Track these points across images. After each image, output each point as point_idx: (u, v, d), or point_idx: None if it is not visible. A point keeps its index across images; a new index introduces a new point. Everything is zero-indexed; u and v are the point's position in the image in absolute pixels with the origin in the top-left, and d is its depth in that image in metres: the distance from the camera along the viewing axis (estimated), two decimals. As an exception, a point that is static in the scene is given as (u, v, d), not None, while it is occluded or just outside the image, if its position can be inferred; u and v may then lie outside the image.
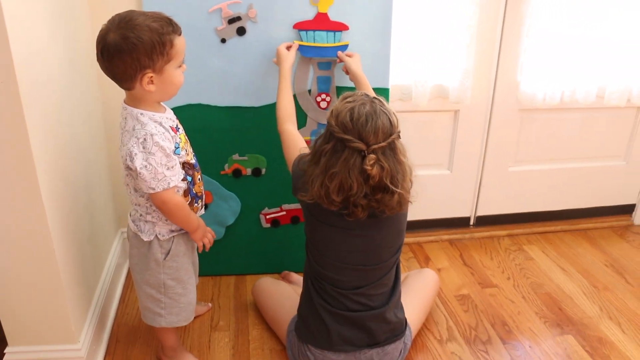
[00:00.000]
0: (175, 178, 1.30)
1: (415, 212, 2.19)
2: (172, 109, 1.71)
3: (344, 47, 1.76)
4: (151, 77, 1.23)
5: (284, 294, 1.70)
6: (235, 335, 1.71)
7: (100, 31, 1.21)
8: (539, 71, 2.02)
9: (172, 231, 1.41)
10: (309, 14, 1.73)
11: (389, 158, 1.25)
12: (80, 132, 1.57)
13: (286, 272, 1.96)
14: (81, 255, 1.50)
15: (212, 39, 1.70)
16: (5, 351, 1.40)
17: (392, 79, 1.83)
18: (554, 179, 2.29)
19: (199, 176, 1.45)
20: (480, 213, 2.30)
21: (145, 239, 1.38)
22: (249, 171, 1.85)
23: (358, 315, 1.43)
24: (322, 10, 1.73)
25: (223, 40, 1.71)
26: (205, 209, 1.85)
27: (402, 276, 1.78)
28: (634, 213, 2.42)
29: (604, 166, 2.32)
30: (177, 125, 1.37)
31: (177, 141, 1.32)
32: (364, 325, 1.44)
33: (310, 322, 1.47)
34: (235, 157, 1.84)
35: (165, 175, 1.27)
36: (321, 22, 1.74)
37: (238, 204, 1.88)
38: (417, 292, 1.72)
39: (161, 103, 1.34)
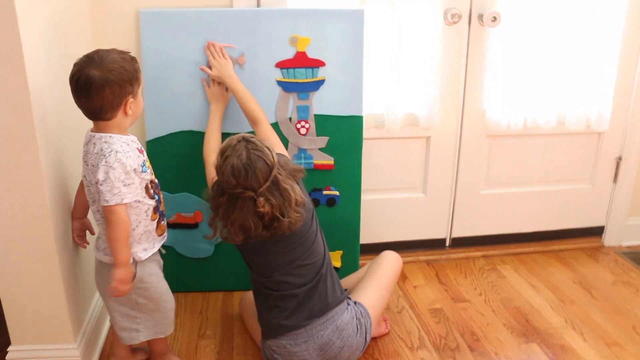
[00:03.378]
0: (130, 196, 1.38)
1: (393, 234, 2.36)
2: (165, 136, 1.93)
3: (321, 82, 1.95)
4: (131, 102, 1.41)
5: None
6: (220, 342, 1.84)
7: (77, 71, 1.34)
8: (502, 100, 2.20)
9: (145, 251, 1.50)
10: (289, 54, 1.93)
11: (274, 193, 1.47)
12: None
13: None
14: (82, 260, 1.65)
15: (201, 71, 1.89)
16: (8, 349, 1.54)
17: (366, 108, 2.02)
18: (525, 201, 2.44)
19: (162, 196, 1.57)
20: (455, 235, 2.44)
21: (109, 262, 1.45)
22: (235, 193, 2.02)
23: (295, 291, 1.59)
24: (300, 50, 1.93)
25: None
26: (196, 227, 2.02)
27: (365, 267, 1.92)
28: (603, 235, 2.55)
29: (572, 189, 2.46)
30: (141, 147, 1.49)
31: (144, 160, 1.46)
32: (303, 299, 1.60)
33: (261, 319, 1.65)
34: (222, 179, 2.01)
35: (120, 190, 1.36)
36: (300, 60, 1.94)
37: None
38: (374, 273, 1.83)
39: (127, 130, 1.48)
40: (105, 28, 1.87)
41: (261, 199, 1.46)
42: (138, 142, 1.49)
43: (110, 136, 1.40)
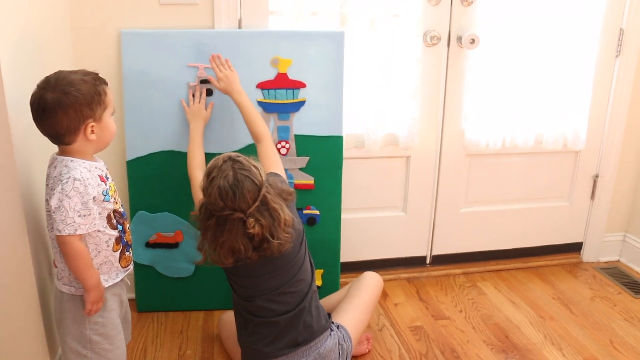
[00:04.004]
0: (85, 227, 1.32)
1: (373, 252, 2.38)
2: (146, 156, 1.93)
3: (301, 103, 1.97)
4: (92, 126, 1.34)
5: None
6: (200, 363, 1.84)
7: (34, 94, 1.31)
8: (481, 120, 2.24)
9: (105, 281, 1.42)
10: (270, 75, 1.95)
11: (263, 214, 1.45)
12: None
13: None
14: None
15: (183, 92, 1.90)
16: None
17: (346, 128, 2.04)
18: (504, 219, 2.47)
19: (128, 225, 1.51)
20: (435, 252, 2.46)
21: (72, 293, 1.40)
22: (217, 212, 2.02)
23: (276, 319, 1.57)
24: (281, 71, 1.95)
25: (193, 95, 1.91)
26: (176, 247, 2.02)
27: (346, 287, 1.92)
28: (582, 251, 2.59)
29: (550, 206, 2.50)
30: (106, 175, 1.42)
31: (106, 189, 1.38)
32: (285, 327, 1.57)
33: (241, 342, 1.64)
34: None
35: (74, 221, 1.29)
36: (281, 81, 1.96)
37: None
38: (355, 295, 1.83)
39: (94, 155, 1.42)
40: (87, 47, 1.88)
41: (251, 220, 1.43)
42: (103, 169, 1.42)
43: (71, 160, 1.34)
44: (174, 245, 2.02)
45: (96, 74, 1.38)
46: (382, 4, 2.01)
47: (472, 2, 2.10)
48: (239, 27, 1.97)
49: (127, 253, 1.49)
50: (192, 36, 1.89)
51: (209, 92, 1.92)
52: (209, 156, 1.93)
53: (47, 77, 1.33)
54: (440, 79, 2.19)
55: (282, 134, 1.99)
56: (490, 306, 2.21)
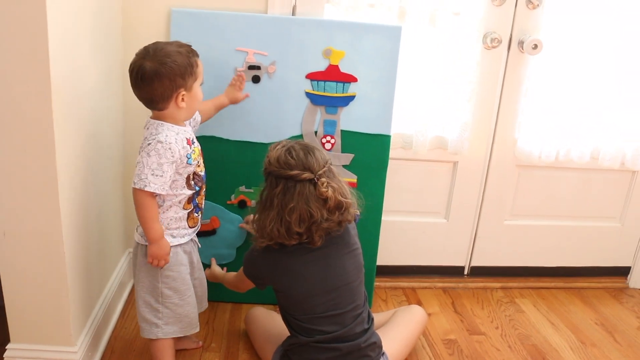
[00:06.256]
0: (155, 186, 1.39)
1: (410, 258, 2.30)
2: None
3: (351, 98, 1.89)
4: (183, 95, 1.42)
5: (273, 324, 1.76)
6: (225, 357, 1.78)
7: (134, 62, 1.39)
8: (535, 130, 2.13)
9: (173, 238, 1.50)
10: (321, 66, 1.87)
11: (333, 179, 1.40)
12: (103, 150, 1.71)
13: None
14: (88, 264, 1.61)
15: (229, 76, 1.83)
16: (7, 347, 1.49)
17: (394, 127, 1.95)
18: (549, 235, 2.36)
19: (204, 190, 1.59)
20: (474, 263, 2.36)
21: (142, 244, 1.49)
22: (253, 203, 1.96)
23: (333, 345, 1.50)
24: (333, 63, 1.87)
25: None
26: (214, 234, 1.96)
27: (390, 311, 1.86)
28: (629, 276, 2.46)
29: (600, 227, 2.38)
30: (192, 139, 1.51)
31: (189, 152, 1.46)
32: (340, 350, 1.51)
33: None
34: (242, 188, 1.95)
35: (147, 177, 1.38)
36: (332, 73, 1.88)
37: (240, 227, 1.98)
38: (402, 326, 1.78)
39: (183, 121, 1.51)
40: (136, 24, 1.84)
41: (323, 180, 1.38)
42: (191, 133, 1.51)
43: (161, 124, 1.43)
44: (212, 232, 1.97)
45: (189, 46, 1.46)
46: (443, 0, 1.92)
47: (538, 5, 1.99)
48: (293, 14, 1.89)
49: (196, 214, 1.56)
50: (243, 19, 1.83)
51: (256, 79, 1.86)
52: (253, 145, 1.90)
53: (146, 46, 1.41)
54: (497, 84, 2.09)
55: (328, 128, 1.91)
56: (528, 325, 2.11)
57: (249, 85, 1.86)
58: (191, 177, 1.49)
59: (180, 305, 1.53)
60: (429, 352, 1.90)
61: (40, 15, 1.21)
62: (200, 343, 1.82)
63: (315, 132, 1.92)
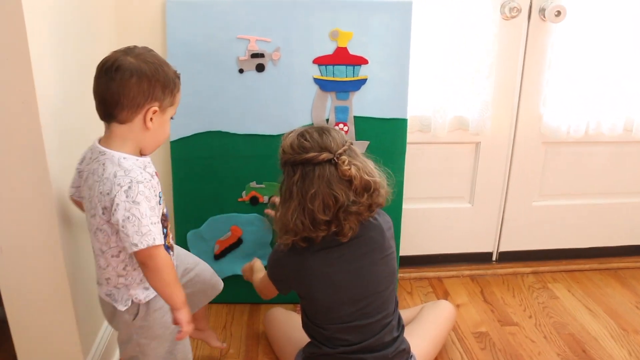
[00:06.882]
0: (159, 236, 1.12)
1: (435, 246, 2.19)
2: (190, 136, 1.77)
3: (362, 81, 1.77)
4: (155, 111, 1.14)
5: (293, 326, 1.66)
6: (244, 363, 1.70)
7: (109, 56, 1.13)
8: (562, 103, 1.98)
9: (147, 289, 1.23)
10: (328, 49, 1.75)
11: (355, 158, 1.26)
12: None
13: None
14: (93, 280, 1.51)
15: (231, 67, 1.73)
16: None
17: (411, 109, 1.83)
18: (581, 214, 2.22)
19: (169, 226, 1.31)
20: (503, 249, 2.24)
21: (121, 309, 1.21)
22: (265, 199, 1.86)
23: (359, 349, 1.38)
24: (341, 45, 1.75)
25: (241, 71, 1.74)
26: (241, 243, 1.89)
27: (417, 307, 1.75)
28: (667, 253, 2.32)
29: (634, 203, 2.23)
30: (155, 172, 1.22)
31: (160, 190, 1.20)
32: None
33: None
34: (253, 184, 1.85)
35: (150, 229, 1.10)
36: (341, 56, 1.76)
37: (263, 220, 1.88)
38: (430, 323, 1.67)
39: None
40: (129, 17, 1.73)
41: (344, 158, 1.22)
42: (151, 166, 1.22)
43: (124, 157, 1.13)
44: (239, 243, 1.88)
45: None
46: (457, -31, 1.78)
47: (559, -32, 1.84)
48: (295, -5, 1.77)
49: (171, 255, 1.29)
50: (243, 5, 1.71)
51: (261, 68, 1.74)
52: (262, 138, 1.80)
53: (129, 46, 1.17)
54: (518, 57, 1.94)
55: (340, 115, 1.80)
56: (563, 312, 1.99)
57: (253, 74, 1.74)
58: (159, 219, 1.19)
59: (162, 343, 1.29)
60: (459, 347, 1.79)
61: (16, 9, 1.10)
62: (225, 345, 1.70)
63: (327, 121, 1.80)
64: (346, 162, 1.22)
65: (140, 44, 1.20)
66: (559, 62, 1.95)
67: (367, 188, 1.25)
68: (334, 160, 1.23)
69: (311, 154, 1.23)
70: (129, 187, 1.10)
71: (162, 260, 1.13)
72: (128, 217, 1.09)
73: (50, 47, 1.25)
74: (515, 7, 1.85)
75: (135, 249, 1.10)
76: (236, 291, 1.93)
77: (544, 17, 1.87)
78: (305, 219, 1.25)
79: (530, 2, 1.89)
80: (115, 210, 1.09)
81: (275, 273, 1.44)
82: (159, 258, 1.13)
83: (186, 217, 1.86)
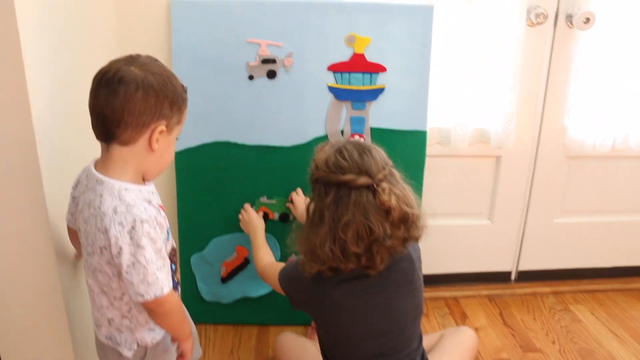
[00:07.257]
0: (167, 282, 1.02)
1: (452, 264, 2.07)
2: (197, 147, 1.65)
3: (380, 90, 1.67)
4: (162, 131, 1.00)
5: (305, 353, 1.54)
6: (252, 393, 1.57)
7: (107, 66, 0.98)
8: (588, 115, 1.88)
9: (153, 331, 1.12)
10: (344, 55, 1.65)
11: (396, 185, 1.13)
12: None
13: (313, 327, 1.81)
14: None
15: (241, 73, 1.63)
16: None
17: (430, 121, 1.72)
18: (604, 232, 2.12)
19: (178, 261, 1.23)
20: (522, 267, 2.13)
21: (127, 354, 1.09)
22: (276, 216, 1.74)
23: None
24: (358, 51, 1.65)
25: (251, 77, 1.63)
26: (248, 263, 1.77)
27: (437, 334, 1.63)
28: (693, 273, 2.21)
29: (661, 221, 2.13)
30: (160, 202, 1.09)
31: (168, 225, 1.06)
32: None
33: None
34: (264, 199, 1.73)
35: (156, 278, 0.98)
36: (357, 63, 1.65)
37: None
38: (452, 354, 1.55)
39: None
40: (132, 20, 1.62)
41: (384, 186, 1.09)
42: (158, 194, 1.09)
43: (125, 188, 0.99)
44: (246, 263, 1.76)
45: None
46: (481, -27, 1.68)
47: (587, -27, 1.74)
48: (309, -3, 1.66)
49: (177, 293, 1.18)
50: (254, 7, 1.60)
51: (272, 75, 1.63)
52: (272, 149, 1.68)
53: (132, 55, 1.01)
54: (543, 66, 1.84)
55: (355, 127, 1.68)
56: (588, 338, 1.87)
57: (263, 81, 1.63)
58: (169, 254, 1.09)
59: None
60: (481, 375, 1.68)
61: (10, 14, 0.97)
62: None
63: (342, 132, 1.69)
64: (387, 191, 1.09)
65: (142, 48, 1.09)
66: (586, 72, 1.85)
67: (405, 220, 1.12)
68: (373, 186, 1.10)
69: (348, 177, 1.10)
70: (133, 228, 0.96)
71: (170, 305, 1.05)
72: (133, 264, 0.97)
73: (47, 51, 1.13)
74: (542, 13, 1.75)
75: (141, 300, 1.00)
76: (244, 312, 1.81)
77: (572, 23, 1.77)
78: (336, 247, 1.11)
79: (557, 8, 1.78)
80: (119, 254, 0.97)
81: (291, 290, 1.30)
82: (167, 304, 1.04)
83: (190, 235, 1.74)
